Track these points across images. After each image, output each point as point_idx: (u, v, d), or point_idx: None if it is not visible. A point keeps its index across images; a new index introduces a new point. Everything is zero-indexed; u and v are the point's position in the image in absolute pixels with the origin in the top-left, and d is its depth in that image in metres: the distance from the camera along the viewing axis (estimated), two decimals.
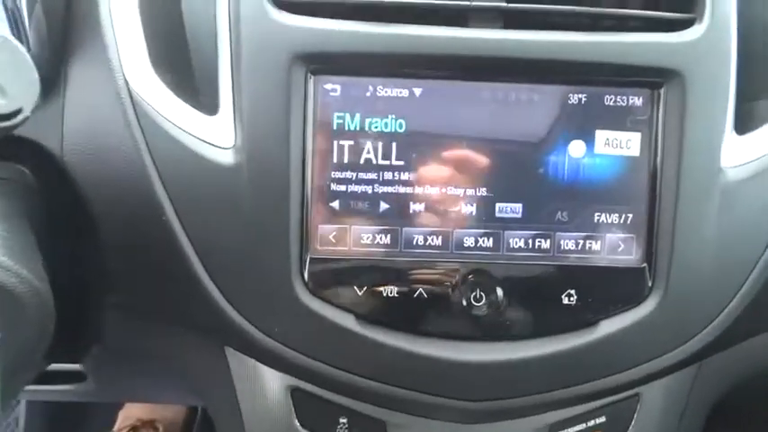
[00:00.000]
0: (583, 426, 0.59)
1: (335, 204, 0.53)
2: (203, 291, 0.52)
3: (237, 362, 0.58)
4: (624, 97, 0.54)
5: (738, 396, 0.66)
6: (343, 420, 0.57)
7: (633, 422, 0.59)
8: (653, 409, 0.59)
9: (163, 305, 0.56)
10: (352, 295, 0.53)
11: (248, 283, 0.53)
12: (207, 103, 0.53)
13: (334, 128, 0.53)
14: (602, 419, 0.59)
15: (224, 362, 0.58)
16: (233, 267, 0.52)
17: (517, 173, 0.53)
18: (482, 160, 0.53)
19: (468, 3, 0.53)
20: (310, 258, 0.53)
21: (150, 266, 0.53)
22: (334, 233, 0.53)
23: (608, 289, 0.54)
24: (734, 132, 0.54)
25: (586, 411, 0.58)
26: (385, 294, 0.53)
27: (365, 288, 0.53)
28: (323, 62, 0.52)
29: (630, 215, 0.54)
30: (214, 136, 0.52)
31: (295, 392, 0.57)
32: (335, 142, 0.53)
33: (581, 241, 0.54)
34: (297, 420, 0.58)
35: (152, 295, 0.55)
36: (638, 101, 0.54)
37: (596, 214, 0.54)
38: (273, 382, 0.57)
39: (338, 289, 0.53)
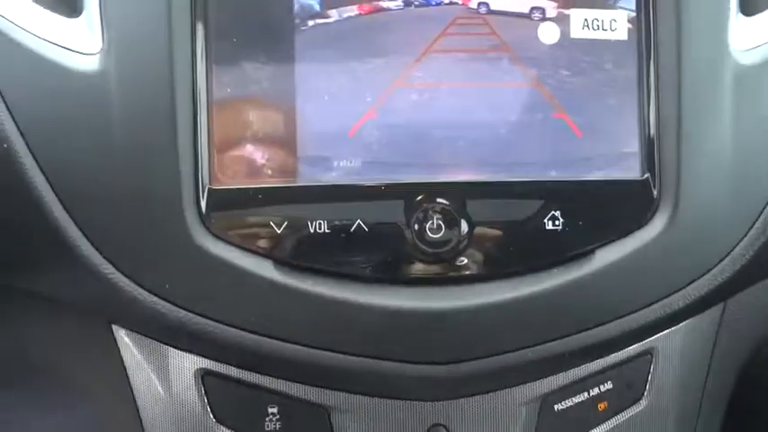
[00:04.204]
0: (584, 396, 0.46)
1: (242, 114, 0.41)
2: (67, 243, 0.40)
3: (130, 344, 0.45)
4: None
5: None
6: (272, 410, 0.44)
7: (647, 388, 0.46)
8: (670, 371, 0.47)
9: (18, 269, 0.43)
10: (269, 234, 0.41)
11: (127, 228, 0.40)
12: (73, 3, 0.42)
13: None
14: (609, 386, 0.46)
15: (112, 347, 0.45)
16: (105, 209, 0.40)
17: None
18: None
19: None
20: (209, 190, 0.40)
21: None
22: (242, 154, 0.41)
23: (603, 208, 0.42)
24: (740, 13, 0.44)
25: (587, 376, 0.45)
26: (312, 230, 0.41)
27: (285, 224, 0.41)
28: None
29: (622, 113, 0.43)
30: (75, 40, 0.41)
31: (207, 378, 0.44)
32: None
33: None
34: (211, 414, 0.44)
35: (3, 256, 0.42)
36: None
37: None
38: (178, 367, 0.44)
39: (249, 227, 0.41)
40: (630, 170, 0.43)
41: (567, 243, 0.42)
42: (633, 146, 0.43)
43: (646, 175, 0.42)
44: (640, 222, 0.42)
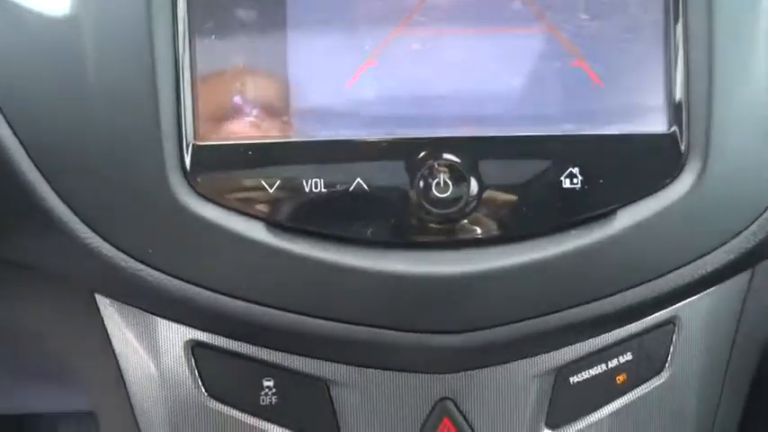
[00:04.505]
0: (602, 367, 0.43)
1: (230, 62, 0.37)
2: (42, 206, 0.37)
3: (114, 313, 0.42)
4: None
5: None
6: (267, 383, 0.41)
7: (669, 359, 0.43)
8: (694, 341, 0.44)
9: None
10: (261, 194, 0.37)
11: (106, 189, 0.37)
12: None
13: None
14: (628, 357, 0.43)
15: (96, 317, 0.42)
16: (82, 169, 0.37)
17: None
18: None
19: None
20: (194, 146, 0.37)
21: None
22: (230, 106, 0.38)
23: (625, 165, 0.39)
24: None
25: (605, 346, 0.42)
26: (308, 190, 0.37)
27: (278, 183, 0.37)
28: None
29: (648, 61, 0.39)
30: None
31: (197, 349, 0.41)
32: None
33: None
34: (203, 388, 0.41)
35: None
36: None
37: None
38: (166, 338, 0.41)
39: (238, 187, 0.38)
40: (656, 123, 0.39)
41: (587, 202, 0.38)
42: (659, 96, 0.39)
43: (672, 129, 0.39)
44: (666, 180, 0.39)
